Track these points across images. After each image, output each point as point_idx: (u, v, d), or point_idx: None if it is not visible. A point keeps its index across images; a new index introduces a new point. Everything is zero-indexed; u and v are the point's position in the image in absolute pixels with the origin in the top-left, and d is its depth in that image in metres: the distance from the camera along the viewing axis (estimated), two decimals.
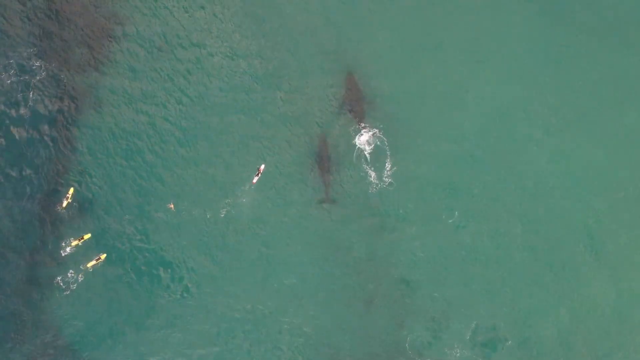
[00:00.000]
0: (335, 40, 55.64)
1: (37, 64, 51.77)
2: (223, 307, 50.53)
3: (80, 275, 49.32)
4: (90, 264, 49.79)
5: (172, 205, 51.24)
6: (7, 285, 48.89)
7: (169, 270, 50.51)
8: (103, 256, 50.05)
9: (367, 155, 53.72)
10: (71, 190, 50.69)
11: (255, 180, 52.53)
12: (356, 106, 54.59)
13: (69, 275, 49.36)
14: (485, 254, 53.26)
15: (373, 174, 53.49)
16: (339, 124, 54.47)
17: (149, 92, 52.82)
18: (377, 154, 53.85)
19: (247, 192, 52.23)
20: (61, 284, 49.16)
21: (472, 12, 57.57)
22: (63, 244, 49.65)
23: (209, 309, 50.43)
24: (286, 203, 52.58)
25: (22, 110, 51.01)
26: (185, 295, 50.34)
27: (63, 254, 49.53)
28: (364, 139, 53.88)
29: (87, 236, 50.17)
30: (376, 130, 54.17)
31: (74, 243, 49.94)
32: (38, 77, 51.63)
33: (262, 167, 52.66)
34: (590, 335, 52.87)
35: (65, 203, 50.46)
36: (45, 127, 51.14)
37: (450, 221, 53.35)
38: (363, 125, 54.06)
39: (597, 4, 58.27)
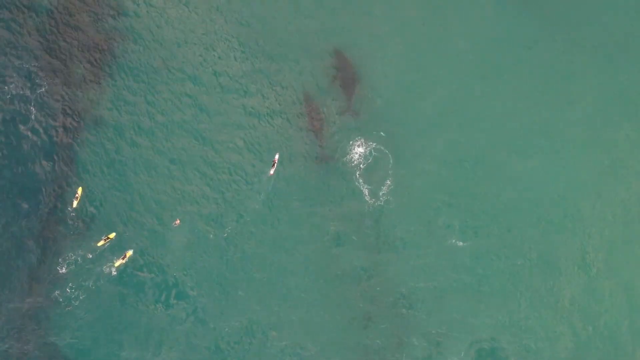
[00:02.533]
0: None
1: (39, 79, 51.81)
2: (223, 324, 50.44)
3: (80, 292, 49.21)
4: (117, 263, 49.77)
5: (178, 222, 51.21)
6: (8, 301, 48.86)
7: (170, 288, 50.43)
8: (129, 253, 50.00)
9: (363, 171, 53.88)
10: (80, 190, 50.63)
11: (272, 171, 52.64)
12: (348, 83, 54.93)
13: (69, 291, 49.25)
14: (483, 270, 53.41)
15: (369, 191, 53.62)
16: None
17: (151, 107, 52.89)
18: (373, 170, 54.10)
19: (251, 206, 52.36)
20: (61, 300, 49.07)
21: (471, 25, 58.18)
22: (61, 260, 49.53)
23: (209, 327, 50.28)
24: (285, 221, 52.68)
25: (23, 125, 50.97)
26: (184, 311, 50.26)
27: (62, 271, 49.39)
28: (359, 154, 53.99)
29: (112, 235, 50.13)
30: (372, 144, 54.37)
31: (100, 243, 49.88)
32: (39, 92, 51.65)
33: (277, 157, 52.73)
34: (589, 352, 52.99)
35: (75, 202, 50.43)
36: (46, 142, 51.09)
37: (447, 238, 53.49)
38: (359, 139, 54.30)
39: (598, 24, 58.90)
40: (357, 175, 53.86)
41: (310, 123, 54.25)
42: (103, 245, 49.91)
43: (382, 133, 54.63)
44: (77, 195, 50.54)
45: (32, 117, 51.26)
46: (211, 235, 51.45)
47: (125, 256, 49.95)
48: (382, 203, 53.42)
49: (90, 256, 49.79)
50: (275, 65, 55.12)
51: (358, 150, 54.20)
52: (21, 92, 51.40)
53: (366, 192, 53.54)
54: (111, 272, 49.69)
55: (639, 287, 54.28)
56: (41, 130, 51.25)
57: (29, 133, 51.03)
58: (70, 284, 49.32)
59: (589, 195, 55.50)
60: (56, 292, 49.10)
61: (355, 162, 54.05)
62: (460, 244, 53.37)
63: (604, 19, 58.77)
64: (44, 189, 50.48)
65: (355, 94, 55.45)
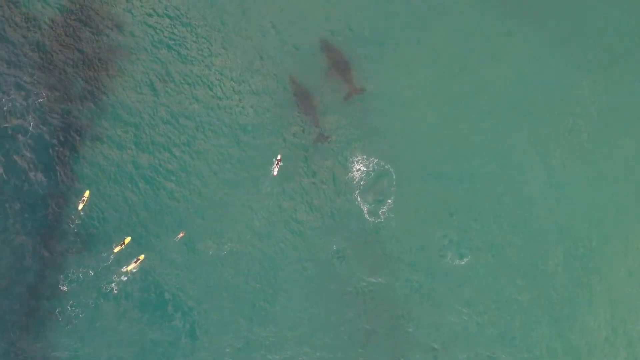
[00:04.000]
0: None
1: (37, 93, 51.81)
2: (223, 342, 50.38)
3: (80, 310, 49.21)
4: (130, 267, 49.77)
5: (182, 234, 51.13)
6: (7, 318, 48.82)
7: (172, 305, 50.36)
8: (142, 257, 49.95)
9: (363, 188, 53.86)
10: (87, 193, 50.59)
11: (275, 171, 52.70)
12: (342, 70, 55.14)
13: (69, 308, 49.23)
14: (482, 287, 53.35)
15: (369, 209, 53.59)
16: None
17: (151, 125, 52.93)
18: (373, 187, 54.01)
19: (252, 222, 52.32)
20: (60, 318, 49.01)
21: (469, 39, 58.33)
22: (62, 277, 49.52)
23: (210, 344, 50.22)
24: (284, 239, 52.62)
25: (21, 140, 50.94)
26: (184, 329, 50.20)
27: (62, 288, 49.39)
28: (359, 171, 53.96)
29: (127, 240, 50.18)
30: (374, 160, 54.41)
31: (117, 249, 49.88)
32: (37, 107, 51.65)
33: (280, 156, 52.79)
34: None
35: (81, 205, 50.39)
36: (45, 158, 51.06)
37: (448, 256, 53.45)
38: (360, 158, 54.35)
39: (596, 40, 58.98)
40: (357, 193, 53.86)
41: (304, 109, 54.42)
42: (120, 250, 49.92)
43: (383, 148, 54.74)
44: (83, 198, 50.49)
45: (30, 131, 51.21)
46: (211, 252, 51.44)
47: (137, 260, 49.93)
48: (383, 221, 53.44)
49: (92, 273, 49.78)
50: (269, 71, 55.65)
51: (358, 167, 54.18)
52: (19, 106, 51.36)
53: (366, 209, 53.55)
54: (122, 277, 49.82)
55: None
56: (39, 146, 51.20)
57: (28, 148, 51.02)
58: (70, 301, 49.28)
59: (600, 214, 55.70)
60: (57, 309, 49.09)
61: (357, 180, 54.08)
62: (461, 262, 53.40)
63: None
64: (43, 205, 50.47)
65: (353, 76, 55.47)
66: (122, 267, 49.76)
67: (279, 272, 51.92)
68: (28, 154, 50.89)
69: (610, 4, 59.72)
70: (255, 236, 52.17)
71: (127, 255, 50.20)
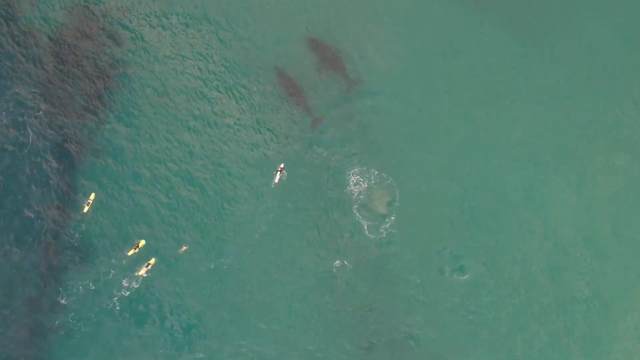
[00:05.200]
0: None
1: (37, 108, 51.80)
2: (226, 355, 50.59)
3: (82, 324, 49.19)
4: (141, 272, 49.95)
5: (185, 247, 51.25)
6: (7, 331, 48.74)
7: (173, 319, 50.46)
8: (152, 261, 50.14)
9: (362, 202, 54.07)
10: (92, 196, 50.70)
11: (277, 180, 52.84)
12: (335, 65, 55.76)
13: (70, 321, 49.17)
14: (483, 304, 53.78)
15: (370, 225, 53.82)
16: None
17: (150, 139, 53.00)
18: (374, 202, 54.30)
19: (252, 237, 52.48)
20: (62, 332, 48.99)
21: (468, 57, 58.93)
22: (61, 290, 49.47)
23: (210, 355, 50.41)
24: (285, 254, 52.86)
25: (20, 154, 50.94)
26: (186, 343, 50.28)
27: (62, 301, 49.35)
28: (358, 185, 54.11)
29: (141, 243, 50.39)
30: (374, 172, 54.58)
31: (131, 252, 50.06)
32: (37, 121, 51.60)
33: (282, 165, 52.96)
34: None
35: (86, 208, 50.54)
36: (44, 173, 51.08)
37: (449, 272, 53.83)
38: (359, 167, 54.54)
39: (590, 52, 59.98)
40: (357, 208, 54.04)
41: (293, 98, 54.92)
42: (134, 254, 50.12)
43: (384, 161, 55.08)
44: (88, 201, 50.63)
45: (30, 145, 51.20)
46: (212, 265, 51.54)
47: (148, 264, 50.13)
48: (384, 236, 53.62)
49: (92, 287, 49.80)
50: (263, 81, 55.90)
51: (356, 180, 54.35)
52: (19, 120, 51.35)
53: (366, 225, 53.75)
54: (133, 283, 50.06)
55: None
56: (39, 160, 51.19)
57: (27, 162, 50.95)
58: (71, 314, 49.29)
59: (602, 231, 56.34)
60: (56, 322, 49.03)
61: (355, 195, 54.27)
62: (462, 278, 53.74)
63: None
64: (44, 219, 50.41)
65: (347, 69, 56.04)
66: (133, 272, 49.99)
67: (278, 287, 52.06)
68: (28, 168, 50.80)
69: None
70: (254, 251, 52.28)
71: (127, 268, 50.52)
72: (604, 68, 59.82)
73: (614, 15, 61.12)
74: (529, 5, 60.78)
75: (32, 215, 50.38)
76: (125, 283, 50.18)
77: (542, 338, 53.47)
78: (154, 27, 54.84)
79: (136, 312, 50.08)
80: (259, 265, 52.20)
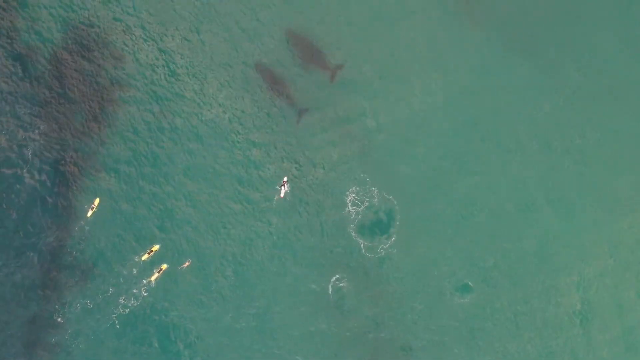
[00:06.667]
0: None
1: (37, 126, 51.94)
2: None
3: (80, 342, 49.68)
4: (153, 277, 50.41)
5: (188, 262, 51.41)
6: (6, 350, 49.38)
7: (173, 336, 50.75)
8: (165, 266, 50.57)
9: (359, 220, 53.79)
10: (97, 201, 51.06)
11: (282, 194, 52.80)
12: (315, 57, 55.46)
13: (67, 338, 49.61)
14: (484, 324, 53.63)
15: (365, 243, 53.57)
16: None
17: (151, 158, 53.02)
18: (370, 219, 54.01)
19: (254, 257, 52.53)
20: (59, 350, 49.42)
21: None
22: (58, 308, 49.87)
23: None
24: (286, 274, 52.80)
25: (20, 173, 51.21)
26: None
27: (59, 320, 49.80)
28: (354, 204, 53.82)
29: (155, 248, 50.80)
30: (374, 190, 54.23)
31: (145, 257, 50.53)
32: (37, 140, 51.79)
33: (285, 179, 52.92)
34: None
35: (90, 213, 50.91)
36: (44, 192, 51.35)
37: (449, 292, 53.63)
38: (355, 188, 54.15)
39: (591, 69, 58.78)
40: (354, 228, 53.76)
41: (276, 91, 54.66)
42: (148, 258, 50.59)
43: (383, 180, 54.63)
44: (92, 205, 50.98)
45: (29, 164, 51.44)
46: (213, 287, 51.68)
47: (160, 270, 50.52)
48: (383, 255, 53.34)
49: (90, 305, 50.25)
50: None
51: (353, 198, 53.99)
52: (18, 138, 51.61)
53: (363, 244, 53.52)
54: (144, 289, 50.61)
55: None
56: (38, 178, 51.45)
57: (27, 181, 51.19)
58: (69, 332, 49.74)
59: (593, 248, 55.92)
60: (53, 340, 49.54)
61: (354, 215, 53.95)
62: (464, 299, 53.52)
63: None
64: (43, 237, 50.75)
65: (325, 59, 55.61)
66: (132, 289, 50.42)
67: (277, 310, 52.05)
68: (27, 187, 51.09)
69: None
70: (257, 272, 52.39)
71: (126, 286, 50.85)
72: None
73: None
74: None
75: (31, 234, 50.68)
76: (124, 301, 50.51)
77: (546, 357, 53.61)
78: (151, 48, 54.69)
79: (135, 331, 50.36)
80: (260, 287, 52.24)
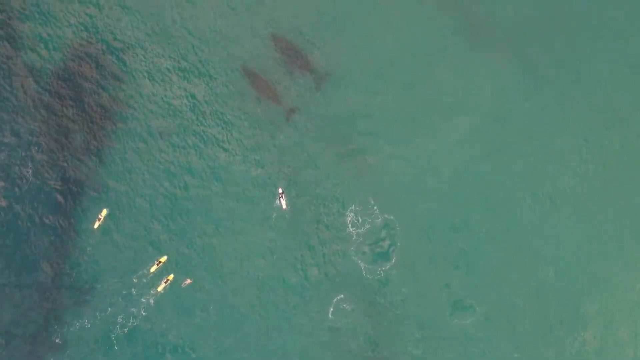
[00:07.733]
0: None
1: (38, 145, 52.07)
2: None
3: None
4: (160, 287, 50.48)
5: (188, 281, 51.32)
6: None
7: (171, 356, 50.61)
8: (171, 277, 50.67)
9: (360, 241, 53.71)
10: (104, 212, 51.13)
11: (284, 205, 52.89)
12: (299, 61, 55.68)
13: (65, 359, 49.41)
14: (485, 346, 53.38)
15: (368, 266, 53.41)
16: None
17: (150, 178, 53.03)
18: (370, 238, 53.92)
19: (254, 274, 52.48)
20: None
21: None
22: (57, 328, 49.63)
23: None
24: (286, 295, 52.66)
25: (20, 191, 51.21)
26: None
27: (58, 341, 49.59)
28: (354, 225, 53.76)
29: (163, 259, 50.91)
30: (375, 210, 54.06)
31: (153, 269, 50.69)
32: (38, 159, 51.88)
33: (281, 190, 52.99)
34: None
35: (97, 224, 50.93)
36: (44, 210, 51.32)
37: (451, 309, 53.45)
38: (355, 207, 54.08)
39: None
40: (356, 249, 53.65)
41: (262, 92, 54.95)
42: (156, 270, 50.69)
43: (383, 201, 54.52)
44: (100, 217, 51.03)
45: (30, 182, 51.48)
46: (211, 307, 51.50)
47: (167, 280, 50.67)
48: (383, 276, 53.14)
49: (88, 325, 49.97)
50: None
51: (352, 218, 53.96)
52: (19, 156, 51.64)
53: (363, 266, 53.34)
54: (132, 320, 50.35)
55: None
56: (39, 196, 51.47)
57: (27, 199, 51.19)
58: (67, 352, 49.48)
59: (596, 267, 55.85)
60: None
61: (355, 236, 53.81)
62: (465, 320, 53.28)
63: None
64: (44, 258, 50.66)
65: (313, 62, 55.96)
66: (132, 308, 50.26)
67: (281, 327, 51.89)
68: (28, 206, 51.05)
69: None
70: (256, 291, 52.25)
71: (125, 305, 50.59)
72: None
73: None
74: None
75: (31, 254, 50.59)
76: (122, 320, 50.28)
77: None
78: (150, 69, 55.01)
79: (134, 351, 50.11)
80: (260, 307, 52.06)
